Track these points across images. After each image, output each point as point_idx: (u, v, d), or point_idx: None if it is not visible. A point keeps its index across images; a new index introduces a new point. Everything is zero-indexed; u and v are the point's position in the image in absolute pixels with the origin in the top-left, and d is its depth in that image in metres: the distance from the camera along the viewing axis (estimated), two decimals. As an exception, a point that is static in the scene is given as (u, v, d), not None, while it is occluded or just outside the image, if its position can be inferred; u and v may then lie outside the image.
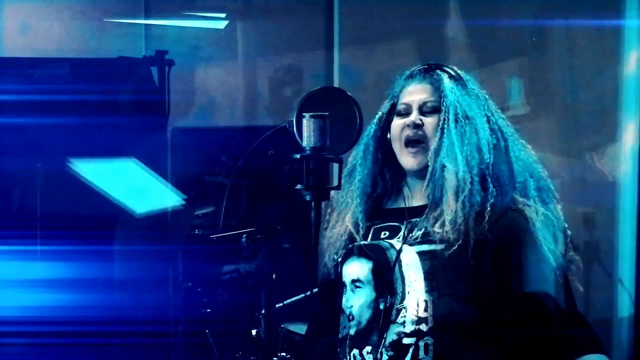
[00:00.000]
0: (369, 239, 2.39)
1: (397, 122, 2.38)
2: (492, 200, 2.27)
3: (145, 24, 5.16)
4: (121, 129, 4.36)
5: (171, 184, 4.69)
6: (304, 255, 2.26)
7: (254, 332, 3.56)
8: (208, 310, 4.52)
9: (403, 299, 2.27)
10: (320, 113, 2.02)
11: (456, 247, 2.23)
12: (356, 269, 2.36)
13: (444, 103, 2.34)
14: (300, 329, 3.62)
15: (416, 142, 2.34)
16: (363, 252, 2.37)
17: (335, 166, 2.12)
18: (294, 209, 2.31)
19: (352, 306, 2.35)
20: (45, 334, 4.09)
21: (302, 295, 3.65)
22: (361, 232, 2.40)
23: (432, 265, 2.26)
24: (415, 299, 2.25)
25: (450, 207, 2.27)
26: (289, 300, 3.65)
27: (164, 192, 4.59)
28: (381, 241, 2.36)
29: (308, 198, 2.03)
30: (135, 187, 4.49)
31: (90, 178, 4.30)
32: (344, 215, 2.44)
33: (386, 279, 2.29)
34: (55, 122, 4.29)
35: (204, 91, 5.23)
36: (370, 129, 2.44)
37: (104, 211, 4.35)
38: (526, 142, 2.54)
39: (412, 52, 5.13)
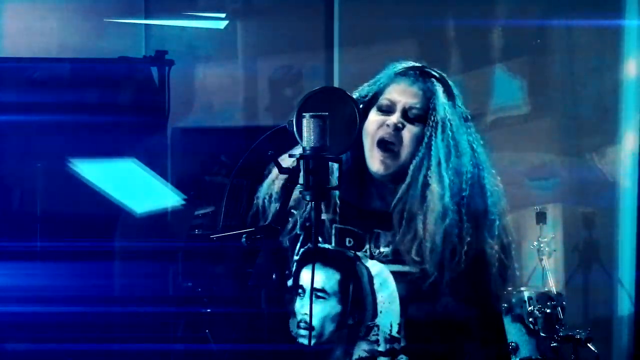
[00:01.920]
0: (332, 242, 2.28)
1: (375, 117, 2.25)
2: (468, 239, 2.16)
3: (145, 24, 5.16)
4: (121, 129, 4.36)
5: (171, 184, 4.69)
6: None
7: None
8: (208, 310, 4.52)
9: (374, 316, 2.22)
10: (320, 113, 2.01)
11: (432, 278, 2.15)
12: (321, 277, 2.24)
13: (433, 117, 2.22)
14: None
15: (390, 144, 2.21)
16: (328, 261, 2.25)
17: (336, 166, 2.11)
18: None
19: (306, 314, 2.23)
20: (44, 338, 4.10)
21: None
22: (319, 228, 2.25)
23: (408, 290, 2.19)
24: (388, 319, 2.21)
25: (429, 233, 2.16)
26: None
27: (164, 192, 4.59)
28: (347, 251, 2.26)
29: (308, 198, 2.03)
30: (135, 187, 4.48)
31: (90, 178, 4.30)
32: (302, 205, 2.29)
33: (354, 294, 2.22)
34: (55, 122, 4.29)
35: (204, 91, 5.24)
36: None
37: (104, 211, 4.35)
38: (496, 173, 2.30)
39: (412, 52, 5.13)
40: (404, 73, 2.29)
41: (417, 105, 2.24)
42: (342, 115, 2.13)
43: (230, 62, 5.27)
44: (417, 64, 2.33)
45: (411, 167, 2.21)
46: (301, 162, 2.02)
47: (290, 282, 2.32)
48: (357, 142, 2.24)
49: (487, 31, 5.13)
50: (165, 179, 4.67)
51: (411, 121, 2.23)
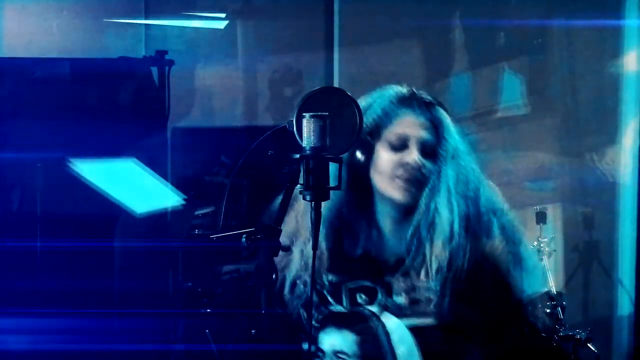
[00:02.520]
0: (344, 303, 2.26)
1: (389, 156, 2.22)
2: (467, 255, 2.17)
3: (145, 24, 5.16)
4: (121, 129, 4.36)
5: (171, 184, 4.69)
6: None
7: (253, 332, 3.55)
8: (208, 310, 4.52)
9: None
10: (320, 113, 2.01)
11: (447, 310, 2.16)
12: (338, 340, 2.24)
13: (445, 147, 2.22)
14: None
15: (411, 180, 2.21)
16: (344, 323, 2.24)
17: (336, 166, 2.11)
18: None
19: None
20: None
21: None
22: (328, 290, 2.25)
23: (426, 341, 2.19)
24: None
25: (435, 256, 2.17)
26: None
27: (164, 192, 4.59)
28: (362, 309, 2.24)
29: (308, 198, 2.02)
30: (135, 187, 4.48)
31: (90, 178, 4.30)
32: (302, 265, 2.26)
33: (373, 352, 2.22)
34: (55, 122, 4.29)
35: (204, 91, 5.23)
36: None
37: (104, 211, 4.35)
38: (487, 176, 2.31)
39: (413, 52, 5.13)
40: (406, 102, 2.26)
41: (431, 139, 2.23)
42: (342, 115, 2.13)
43: (230, 62, 5.27)
44: (404, 89, 2.30)
45: (423, 197, 2.21)
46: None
47: (305, 346, 2.29)
48: (360, 145, 2.23)
49: (487, 31, 5.13)
50: (165, 179, 4.67)
51: (426, 155, 2.23)
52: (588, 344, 4.27)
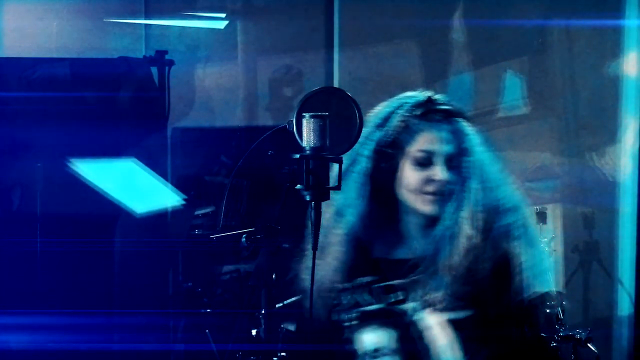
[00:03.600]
0: (375, 303, 2.29)
1: (415, 174, 2.24)
2: (485, 264, 2.19)
3: (145, 24, 5.16)
4: (121, 129, 4.36)
5: (171, 184, 4.69)
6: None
7: (254, 332, 3.56)
8: (208, 310, 4.52)
9: None
10: (320, 113, 2.01)
11: (474, 308, 2.19)
12: (374, 339, 2.28)
13: (467, 158, 2.24)
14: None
15: (439, 194, 2.23)
16: (379, 321, 2.28)
17: (336, 166, 2.11)
18: (294, 208, 2.30)
19: None
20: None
21: (301, 296, 3.65)
22: (361, 292, 2.28)
23: (459, 334, 2.21)
24: None
25: (453, 268, 2.20)
26: (289, 300, 3.65)
27: (164, 192, 4.59)
28: (393, 307, 2.27)
29: (308, 198, 2.02)
30: (135, 187, 4.48)
31: (90, 178, 4.30)
32: (334, 268, 2.30)
33: (410, 348, 2.24)
34: (55, 122, 4.29)
35: (204, 91, 5.24)
36: (362, 165, 2.27)
37: (104, 211, 4.35)
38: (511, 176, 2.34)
39: (413, 51, 5.13)
40: (426, 115, 2.26)
41: (455, 152, 2.24)
42: (342, 115, 2.12)
43: (230, 62, 5.27)
44: (421, 96, 2.30)
45: (448, 210, 2.23)
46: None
47: (348, 347, 2.32)
48: (383, 159, 2.25)
49: (487, 31, 5.13)
50: (165, 179, 4.67)
51: (452, 168, 2.24)
52: (588, 344, 4.27)
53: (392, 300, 2.28)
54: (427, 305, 2.24)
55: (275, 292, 3.59)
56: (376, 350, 2.27)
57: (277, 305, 3.55)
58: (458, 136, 2.25)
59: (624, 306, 5.09)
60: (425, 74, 5.15)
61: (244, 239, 2.10)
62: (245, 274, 4.61)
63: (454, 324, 2.22)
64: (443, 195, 2.23)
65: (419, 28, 5.13)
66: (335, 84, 5.09)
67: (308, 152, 2.00)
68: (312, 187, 2.01)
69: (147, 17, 5.16)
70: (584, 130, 5.19)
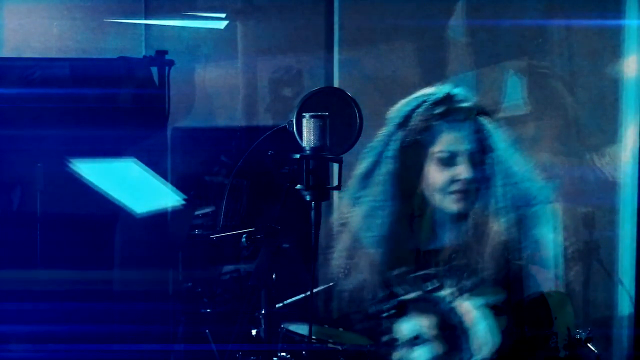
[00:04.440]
0: (413, 292, 2.32)
1: (439, 172, 2.27)
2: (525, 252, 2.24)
3: (145, 24, 5.16)
4: (121, 129, 4.36)
5: (171, 184, 4.69)
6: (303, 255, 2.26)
7: (254, 332, 3.56)
8: (208, 310, 4.52)
9: (474, 354, 2.27)
10: (320, 113, 2.01)
11: (507, 295, 2.23)
12: (412, 327, 2.31)
13: (490, 154, 2.27)
14: (301, 329, 3.63)
15: (465, 192, 2.27)
16: (416, 309, 2.32)
17: (335, 166, 2.11)
18: (294, 208, 2.31)
19: (414, 358, 2.32)
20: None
21: (302, 295, 3.65)
22: (397, 282, 2.31)
23: (495, 318, 2.25)
24: (484, 351, 2.26)
25: (487, 264, 2.24)
26: (289, 300, 3.65)
27: (164, 192, 4.59)
28: (430, 295, 2.31)
29: (308, 198, 2.03)
30: (135, 187, 4.48)
31: (91, 178, 4.30)
32: (368, 264, 2.34)
33: (449, 334, 2.28)
34: (55, 122, 4.29)
35: (204, 91, 5.23)
36: (387, 165, 2.29)
37: (104, 211, 4.35)
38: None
39: (413, 51, 5.13)
40: (446, 114, 2.28)
41: (478, 149, 2.27)
42: (342, 115, 2.13)
43: (230, 62, 5.27)
44: (438, 92, 2.32)
45: (475, 208, 2.27)
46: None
47: (385, 338, 2.36)
48: (407, 158, 2.28)
49: (487, 31, 5.13)
50: (165, 179, 4.67)
51: (475, 166, 2.27)
52: (588, 344, 4.26)
53: (429, 288, 2.31)
54: (463, 291, 2.27)
55: (275, 292, 3.59)
56: (415, 338, 2.30)
57: (277, 305, 3.56)
58: (480, 133, 2.27)
59: (624, 306, 5.09)
60: (426, 73, 5.15)
61: (244, 239, 2.10)
62: (246, 274, 4.61)
63: (490, 308, 2.25)
64: (469, 192, 2.26)
65: (419, 28, 5.13)
66: (335, 84, 5.09)
67: (308, 152, 2.01)
68: (312, 187, 2.01)
69: (147, 17, 5.16)
70: (584, 130, 5.19)
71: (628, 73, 5.03)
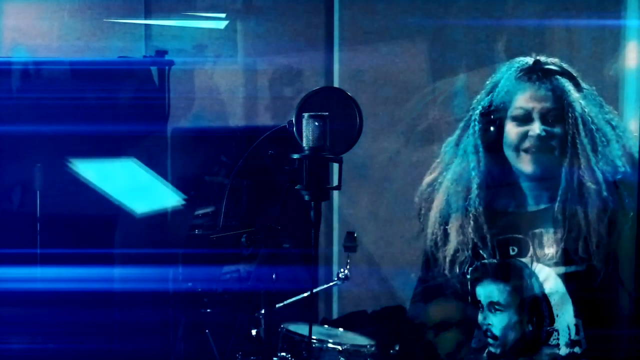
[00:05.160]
0: (497, 256, 2.33)
1: (514, 129, 2.30)
2: (630, 213, 2.26)
3: (145, 24, 5.16)
4: (121, 129, 4.36)
5: (171, 184, 4.69)
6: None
7: (254, 332, 3.56)
8: (208, 310, 4.52)
9: (552, 322, 2.28)
10: (319, 113, 2.01)
11: (602, 275, 2.28)
12: (493, 292, 2.33)
13: (571, 114, 2.26)
14: (301, 329, 3.63)
15: (539, 150, 2.27)
16: (497, 274, 2.32)
17: (335, 166, 2.11)
18: (294, 208, 2.31)
19: (490, 324, 2.33)
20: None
21: (302, 295, 3.65)
22: (483, 244, 2.32)
23: (579, 289, 2.27)
24: (565, 322, 2.28)
25: (593, 229, 2.24)
26: (289, 300, 3.65)
27: (164, 192, 4.59)
28: (514, 260, 2.32)
29: (308, 198, 2.03)
30: (135, 187, 4.48)
31: (90, 178, 4.30)
32: (458, 226, 2.35)
33: (528, 302, 2.29)
34: (54, 122, 4.29)
35: (204, 91, 5.23)
36: (474, 127, 2.35)
37: (104, 211, 4.35)
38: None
39: (413, 51, 5.13)
40: (526, 77, 2.31)
41: (553, 108, 2.27)
42: (342, 115, 2.13)
43: (230, 62, 5.27)
44: (529, 60, 2.34)
45: (563, 170, 2.26)
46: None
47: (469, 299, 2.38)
48: (492, 123, 2.31)
49: (487, 30, 5.13)
50: (165, 179, 4.67)
51: (552, 124, 2.27)
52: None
53: (511, 253, 2.32)
54: (543, 259, 2.28)
55: (275, 292, 3.59)
56: (492, 303, 2.32)
57: (277, 305, 3.55)
58: (558, 93, 2.27)
59: (624, 306, 5.09)
60: (427, 72, 5.15)
61: (244, 239, 2.10)
62: (245, 274, 4.61)
63: (567, 278, 2.26)
64: (544, 152, 2.26)
65: (420, 26, 5.13)
66: (335, 84, 5.09)
67: (308, 152, 2.01)
68: (312, 187, 2.01)
69: (147, 17, 5.16)
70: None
71: (628, 73, 5.03)
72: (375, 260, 5.06)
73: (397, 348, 3.72)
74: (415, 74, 5.13)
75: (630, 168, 2.24)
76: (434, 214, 2.39)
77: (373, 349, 3.62)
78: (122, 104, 4.49)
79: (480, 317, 2.36)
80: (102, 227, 4.39)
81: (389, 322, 4.63)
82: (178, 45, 5.10)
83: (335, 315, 5.03)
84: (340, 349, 3.58)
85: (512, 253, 2.32)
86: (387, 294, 4.99)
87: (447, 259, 2.36)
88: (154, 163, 4.53)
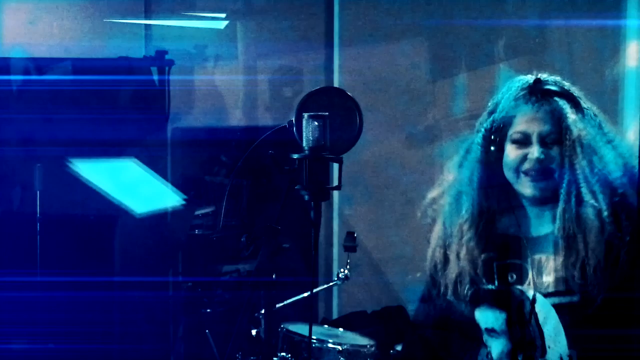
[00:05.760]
0: (495, 282, 2.31)
1: (514, 152, 2.28)
2: (627, 238, 2.19)
3: (145, 24, 5.16)
4: (121, 129, 4.36)
5: (171, 184, 4.69)
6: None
7: (254, 332, 3.56)
8: (208, 310, 4.52)
9: (544, 352, 2.26)
10: (320, 113, 2.01)
11: (599, 302, 2.17)
12: (489, 318, 2.32)
13: (568, 137, 2.25)
14: (301, 329, 3.63)
15: (537, 173, 2.25)
16: (495, 301, 2.31)
17: (335, 166, 2.11)
18: (294, 208, 2.31)
19: (490, 347, 2.33)
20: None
21: (302, 295, 3.65)
22: (481, 269, 2.30)
23: (573, 321, 2.22)
24: (557, 353, 2.24)
25: (591, 251, 2.19)
26: (289, 300, 3.65)
27: (164, 192, 4.59)
28: (512, 287, 2.30)
29: (307, 198, 2.03)
30: (135, 187, 4.48)
31: (90, 178, 4.30)
32: (457, 252, 2.33)
33: (522, 331, 2.27)
34: (55, 122, 4.29)
35: (204, 91, 5.23)
36: (475, 152, 2.33)
37: (104, 211, 4.35)
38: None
39: (414, 51, 5.13)
40: (526, 98, 2.30)
41: (552, 130, 2.26)
42: (342, 116, 2.13)
43: (230, 62, 5.27)
44: (530, 79, 2.34)
45: (562, 192, 2.24)
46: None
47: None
48: (493, 144, 2.30)
49: (487, 30, 5.13)
50: (165, 179, 4.67)
51: (550, 147, 2.26)
52: None
53: (509, 280, 2.30)
54: (540, 287, 2.26)
55: (275, 292, 3.59)
56: (488, 329, 2.31)
57: (277, 305, 3.55)
58: (556, 115, 2.27)
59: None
60: (427, 73, 5.15)
61: (244, 239, 2.10)
62: (245, 274, 4.61)
63: (561, 308, 2.23)
64: (543, 175, 2.25)
65: (420, 27, 5.13)
66: (335, 84, 5.09)
67: (308, 152, 2.01)
68: (312, 187, 2.01)
69: (147, 17, 5.16)
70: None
71: (628, 73, 5.03)
72: (375, 260, 5.07)
73: (397, 348, 3.72)
74: (415, 74, 5.13)
75: (630, 189, 2.22)
76: (434, 238, 2.38)
77: (373, 349, 3.62)
78: (122, 104, 4.50)
79: (484, 337, 2.35)
80: (102, 227, 4.40)
81: (389, 322, 4.63)
82: (178, 45, 5.10)
83: (335, 315, 5.03)
84: (340, 349, 3.58)
85: (510, 280, 2.30)
86: (387, 294, 5.00)
87: (450, 285, 2.35)
88: (154, 163, 4.53)
